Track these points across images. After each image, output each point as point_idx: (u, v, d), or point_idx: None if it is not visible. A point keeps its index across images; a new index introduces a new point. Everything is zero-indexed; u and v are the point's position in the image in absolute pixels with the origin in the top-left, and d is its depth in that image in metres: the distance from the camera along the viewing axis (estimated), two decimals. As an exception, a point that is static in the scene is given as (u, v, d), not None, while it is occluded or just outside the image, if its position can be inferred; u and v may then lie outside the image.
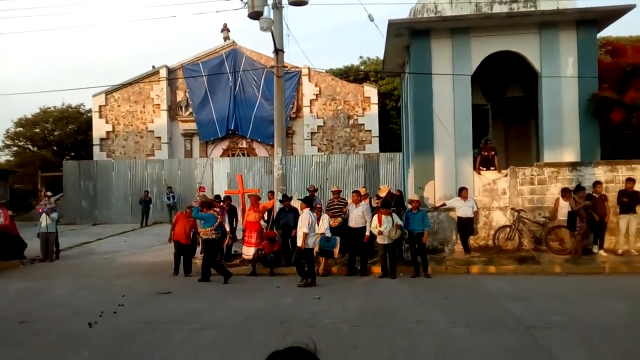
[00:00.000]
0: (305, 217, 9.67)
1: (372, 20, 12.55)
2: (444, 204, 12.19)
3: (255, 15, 11.17)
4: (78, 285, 10.13)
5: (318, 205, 11.09)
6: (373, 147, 25.15)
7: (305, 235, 9.52)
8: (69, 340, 6.46)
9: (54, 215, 13.16)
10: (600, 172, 11.98)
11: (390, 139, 27.02)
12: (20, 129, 30.77)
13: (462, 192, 11.82)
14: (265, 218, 12.50)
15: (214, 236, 10.21)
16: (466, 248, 11.70)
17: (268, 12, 11.35)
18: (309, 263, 9.72)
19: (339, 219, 11.06)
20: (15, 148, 31.38)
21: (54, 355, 5.86)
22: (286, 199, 11.52)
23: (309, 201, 10.10)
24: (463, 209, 11.70)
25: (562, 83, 12.90)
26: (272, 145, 23.57)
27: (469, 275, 10.25)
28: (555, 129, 12.97)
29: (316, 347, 1.51)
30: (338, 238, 10.63)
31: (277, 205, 11.52)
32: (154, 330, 6.79)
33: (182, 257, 10.94)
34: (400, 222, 10.24)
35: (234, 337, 6.48)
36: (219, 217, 10.52)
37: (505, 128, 17.33)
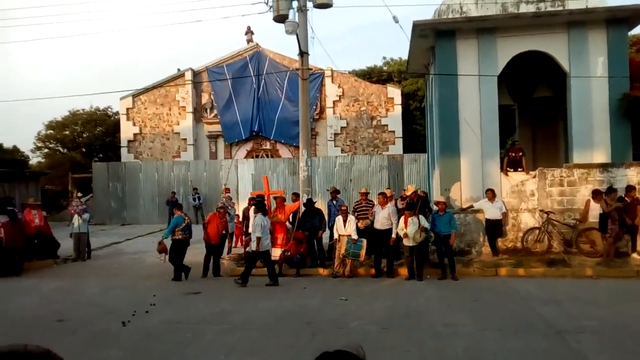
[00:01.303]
0: (257, 221, 9.93)
1: (397, 21, 12.54)
2: (471, 206, 12.08)
3: (280, 18, 11.29)
4: (109, 284, 10.38)
5: (343, 207, 11.13)
6: (397, 148, 25.04)
7: (259, 240, 9.81)
8: (103, 339, 6.64)
9: (86, 215, 13.51)
10: (632, 174, 11.71)
11: (414, 140, 26.86)
12: (51, 131, 31.61)
13: (488, 193, 11.69)
14: (291, 220, 12.60)
15: (180, 236, 10.58)
16: (494, 250, 11.57)
17: (293, 15, 11.47)
18: (267, 264, 10.00)
19: (367, 221, 11.07)
20: (46, 150, 32.26)
21: (89, 354, 6.03)
22: (310, 203, 11.58)
23: (261, 206, 10.41)
24: (491, 211, 11.57)
25: (592, 83, 12.66)
26: (296, 146, 23.82)
27: (498, 278, 10.15)
28: (584, 129, 12.73)
29: (364, 353, 1.53)
30: (364, 240, 10.66)
31: (302, 208, 11.57)
32: (184, 330, 6.92)
33: (211, 257, 11.03)
34: (426, 225, 10.20)
35: (262, 338, 6.56)
36: (187, 219, 10.87)
37: (533, 129, 17.07)
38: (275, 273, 10.09)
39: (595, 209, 11.10)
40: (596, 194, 11.16)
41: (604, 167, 11.97)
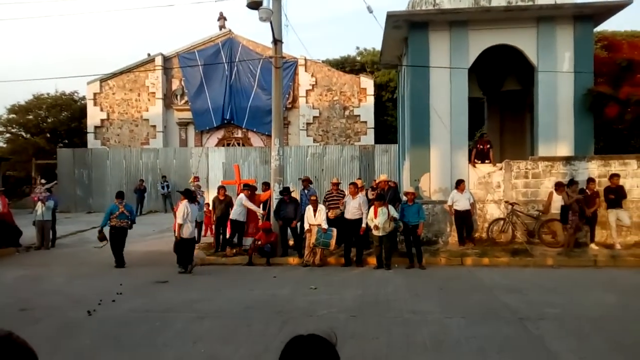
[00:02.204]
0: (181, 208, 10.14)
1: (371, 12, 12.55)
2: (450, 206, 12.05)
3: (254, 5, 11.11)
4: (75, 273, 10.18)
5: (313, 197, 11.17)
6: (368, 139, 25.20)
7: (180, 226, 9.99)
8: (69, 327, 6.52)
9: (49, 203, 13.15)
10: (593, 167, 12.12)
11: (385, 131, 27.06)
12: (13, 115, 30.48)
13: (461, 185, 11.85)
14: (261, 209, 12.58)
15: (116, 224, 10.75)
16: (461, 240, 11.82)
17: (267, 2, 11.32)
18: (187, 252, 10.14)
19: (337, 211, 11.14)
20: (7, 135, 31.12)
21: (55, 342, 5.91)
22: (286, 191, 11.56)
23: (188, 194, 10.56)
24: (461, 202, 11.76)
25: (558, 77, 13.01)
26: (268, 135, 23.70)
27: (463, 267, 10.40)
28: (550, 123, 13.10)
29: (337, 338, 1.56)
30: (334, 230, 10.75)
31: (275, 197, 11.55)
32: (153, 319, 6.86)
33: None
34: (395, 215, 10.34)
35: (233, 326, 6.56)
36: (121, 207, 10.86)
37: (501, 121, 17.44)
38: (187, 260, 10.06)
39: (558, 201, 11.46)
40: (558, 186, 11.52)
41: (567, 160, 12.35)
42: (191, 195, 10.63)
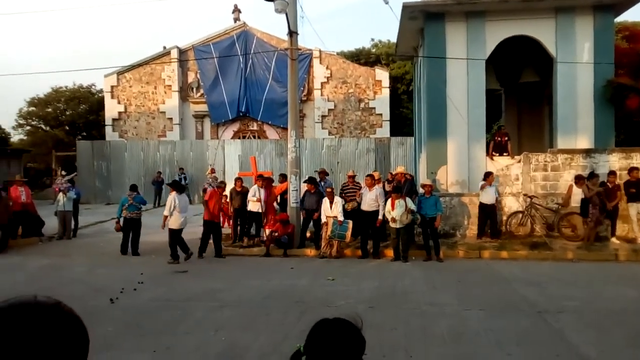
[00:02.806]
0: (169, 200, 10.42)
1: (387, 2, 12.50)
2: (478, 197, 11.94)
3: (270, -3, 11.14)
4: (96, 262, 10.36)
5: (329, 190, 11.19)
6: (384, 131, 25.11)
7: (165, 218, 10.27)
8: (92, 315, 6.64)
9: (71, 193, 13.36)
10: (614, 160, 11.95)
11: (401, 123, 26.95)
12: (33, 108, 31.02)
13: (490, 177, 11.60)
14: (278, 200, 12.65)
15: (127, 215, 11.10)
16: (481, 233, 11.69)
17: (283, -6, 11.31)
18: (180, 242, 10.30)
19: (354, 203, 11.16)
20: (28, 127, 31.68)
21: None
22: (311, 181, 11.61)
23: (176, 185, 10.80)
24: (488, 195, 11.57)
25: (578, 68, 12.83)
26: (283, 128, 23.76)
27: (481, 260, 10.35)
28: (569, 115, 12.94)
29: (362, 323, 1.60)
30: (350, 222, 10.78)
31: (292, 189, 11.60)
32: (174, 308, 6.98)
33: (211, 237, 10.81)
34: (413, 207, 10.33)
35: (252, 315, 6.65)
36: (130, 199, 11.23)
37: (519, 113, 17.27)
38: (176, 251, 10.22)
39: (577, 194, 11.33)
40: (578, 179, 11.39)
41: (587, 152, 12.19)
42: (180, 187, 10.87)
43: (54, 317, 0.99)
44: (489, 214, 11.68)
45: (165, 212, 10.35)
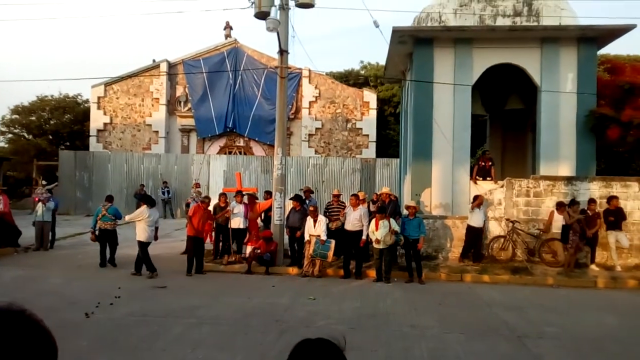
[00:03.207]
0: (139, 211, 10.57)
1: (377, 26, 12.64)
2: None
3: (261, 15, 11.24)
4: (73, 275, 10.14)
5: (311, 208, 11.16)
6: (370, 152, 25.27)
7: (125, 222, 10.68)
8: (66, 329, 6.46)
9: (50, 204, 13.13)
10: (595, 188, 12.14)
11: (387, 145, 27.16)
12: (16, 116, 30.57)
13: (478, 199, 11.65)
14: (262, 217, 12.58)
15: (102, 226, 11.06)
16: (465, 255, 11.71)
17: (275, 13, 11.43)
18: (142, 254, 10.25)
19: (338, 222, 11.14)
20: (10, 135, 31.18)
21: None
22: (296, 198, 11.58)
23: (148, 199, 10.95)
24: (476, 218, 11.64)
25: (561, 98, 13.10)
26: (269, 145, 23.76)
27: (463, 283, 10.36)
28: (552, 142, 13.16)
29: (346, 344, 1.56)
30: (333, 241, 10.73)
31: (276, 206, 11.55)
32: (151, 323, 6.84)
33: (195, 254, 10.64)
34: (397, 228, 10.33)
35: (231, 333, 6.54)
36: (104, 210, 11.17)
37: (503, 139, 17.52)
38: (141, 264, 10.22)
39: (559, 220, 11.47)
40: (560, 206, 11.53)
41: (568, 180, 12.37)
42: (151, 201, 10.85)
43: (16, 325, 0.94)
44: (476, 236, 11.73)
45: (127, 218, 10.79)
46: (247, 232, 11.75)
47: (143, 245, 10.21)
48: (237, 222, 11.66)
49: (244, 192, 12.26)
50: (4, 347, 0.89)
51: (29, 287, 8.99)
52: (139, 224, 10.30)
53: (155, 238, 10.66)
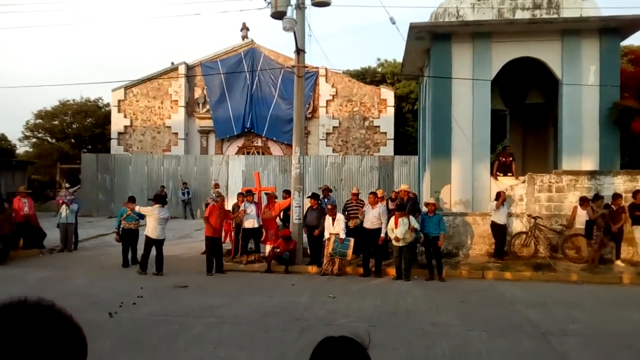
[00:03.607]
0: (150, 208, 10.74)
1: (393, 23, 12.55)
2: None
3: (278, 15, 11.25)
4: (96, 276, 10.31)
5: (330, 207, 11.14)
6: (388, 150, 25.13)
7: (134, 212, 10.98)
8: (89, 329, 6.44)
9: (74, 206, 13.38)
10: (619, 182, 11.87)
11: (405, 142, 26.97)
12: (40, 120, 31.25)
13: (501, 196, 11.45)
14: (281, 216, 12.60)
15: (125, 226, 11.30)
16: (499, 254, 11.45)
17: (291, 13, 11.43)
18: (148, 251, 10.52)
19: (357, 220, 11.11)
20: (34, 140, 31.88)
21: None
22: (314, 197, 11.61)
23: (159, 199, 11.08)
24: (498, 214, 11.48)
25: (583, 91, 12.83)
26: (287, 144, 23.81)
27: (484, 281, 10.23)
28: (574, 136, 12.90)
29: (370, 342, 1.54)
30: (352, 239, 10.71)
31: (295, 205, 11.57)
32: (172, 323, 6.90)
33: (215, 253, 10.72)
34: (416, 225, 10.25)
35: (251, 332, 6.56)
36: (129, 210, 11.31)
37: (523, 134, 17.24)
38: (161, 263, 10.46)
39: (582, 216, 11.23)
40: (583, 201, 11.30)
41: (592, 174, 12.12)
42: (162, 200, 11.03)
43: (46, 320, 0.96)
44: (502, 234, 11.55)
45: (137, 208, 11.15)
46: (263, 230, 11.79)
47: (149, 241, 10.47)
48: (250, 222, 11.70)
49: (254, 192, 12.35)
50: (35, 341, 0.90)
51: (54, 287, 9.16)
52: (149, 221, 10.55)
53: None
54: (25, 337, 0.90)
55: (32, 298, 0.99)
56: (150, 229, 10.46)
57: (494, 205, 11.55)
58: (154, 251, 10.47)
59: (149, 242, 10.46)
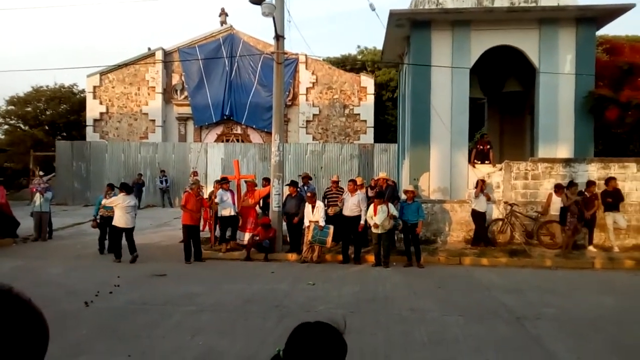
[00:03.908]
0: (116, 198, 10.79)
1: (373, 9, 12.56)
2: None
3: (257, 0, 11.10)
4: (72, 265, 10.14)
5: (309, 194, 11.14)
6: (368, 138, 25.18)
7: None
8: (66, 318, 6.48)
9: (48, 194, 13.11)
10: (593, 169, 12.13)
11: (385, 130, 27.06)
12: (12, 107, 30.39)
13: (480, 184, 11.56)
14: (261, 204, 12.56)
15: (103, 214, 11.36)
16: (484, 241, 11.56)
17: (270, -2, 11.28)
18: (128, 241, 10.53)
19: (336, 208, 11.13)
20: (6, 126, 31.03)
21: (52, 333, 5.85)
22: (292, 184, 11.58)
23: (125, 187, 10.97)
24: (480, 203, 11.56)
25: (560, 79, 13.03)
26: (267, 132, 23.67)
27: (462, 267, 10.39)
28: (550, 124, 13.12)
29: (346, 327, 1.55)
30: (331, 227, 10.74)
31: (274, 193, 11.53)
32: (151, 311, 6.85)
33: (191, 241, 10.63)
34: (395, 213, 10.33)
35: (231, 320, 6.55)
36: (107, 198, 11.29)
37: (501, 122, 17.46)
38: (134, 248, 10.45)
39: (557, 203, 11.47)
40: (558, 188, 11.53)
41: (567, 162, 12.36)
42: (128, 188, 10.96)
43: (2, 302, 0.92)
44: (483, 221, 11.68)
45: (104, 202, 11.05)
46: (239, 218, 11.72)
47: (120, 231, 10.41)
48: (227, 211, 11.58)
49: (230, 180, 12.25)
50: None
51: (28, 277, 8.98)
52: (116, 210, 10.49)
53: None
54: None
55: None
56: (117, 217, 10.44)
57: (473, 193, 11.70)
58: (125, 240, 10.42)
59: (118, 230, 10.45)
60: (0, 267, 9.84)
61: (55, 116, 30.20)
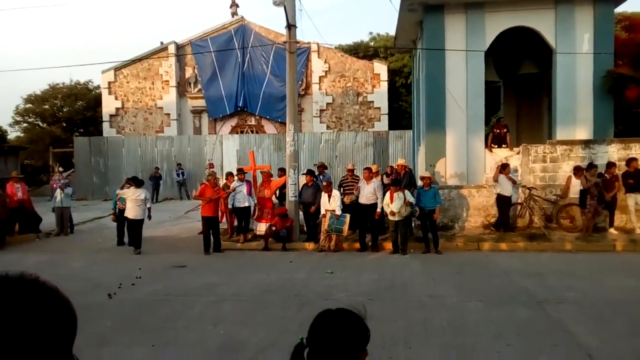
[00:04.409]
0: (127, 191, 11.01)
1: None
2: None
3: (267, -10, 11.07)
4: (94, 258, 10.34)
5: (325, 183, 11.13)
6: (382, 125, 25.03)
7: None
8: (91, 311, 6.61)
9: (68, 190, 13.35)
10: (612, 150, 11.91)
11: (399, 117, 26.87)
12: (30, 105, 30.87)
13: (507, 169, 11.43)
14: (277, 195, 12.60)
15: (121, 207, 11.45)
16: (504, 226, 11.39)
17: (281, -13, 11.22)
18: (136, 233, 10.83)
19: (352, 196, 11.13)
20: (25, 124, 31.55)
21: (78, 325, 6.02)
22: (309, 173, 11.60)
23: (135, 180, 11.14)
24: (505, 186, 11.36)
25: (577, 59, 12.77)
26: (281, 122, 23.67)
27: (480, 252, 10.33)
28: (568, 106, 12.88)
29: (366, 313, 1.56)
30: (348, 215, 10.74)
31: (290, 182, 11.55)
32: (173, 302, 6.95)
33: (210, 232, 10.70)
34: (412, 200, 10.28)
35: (251, 309, 6.62)
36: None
37: (517, 105, 17.21)
38: (139, 240, 10.78)
39: (576, 185, 11.30)
40: (577, 170, 11.35)
41: (586, 143, 12.14)
42: (138, 181, 11.16)
43: (30, 291, 0.94)
44: (507, 205, 11.50)
45: (118, 192, 11.57)
46: (256, 208, 11.79)
47: (131, 222, 10.76)
48: (241, 202, 11.63)
49: (246, 171, 12.34)
50: (21, 314, 0.89)
51: (52, 271, 9.16)
52: (127, 202, 10.78)
53: (149, 217, 11.16)
54: (8, 309, 0.88)
55: (14, 272, 0.97)
56: (127, 209, 10.79)
57: (493, 176, 11.54)
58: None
59: (128, 222, 10.86)
60: (25, 262, 10.05)
61: (72, 113, 30.60)
